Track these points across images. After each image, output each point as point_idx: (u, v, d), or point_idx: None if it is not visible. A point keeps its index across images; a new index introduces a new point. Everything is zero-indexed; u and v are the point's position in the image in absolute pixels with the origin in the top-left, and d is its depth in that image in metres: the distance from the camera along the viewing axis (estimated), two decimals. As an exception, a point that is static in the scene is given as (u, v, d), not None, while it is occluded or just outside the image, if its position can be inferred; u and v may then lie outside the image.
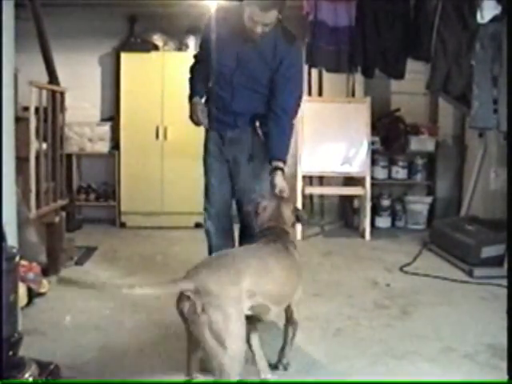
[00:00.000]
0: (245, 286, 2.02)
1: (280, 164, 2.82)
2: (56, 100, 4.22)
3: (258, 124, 3.03)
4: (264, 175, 2.99)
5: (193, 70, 3.19)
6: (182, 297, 1.95)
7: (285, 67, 2.86)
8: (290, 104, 2.94)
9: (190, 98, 3.11)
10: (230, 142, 3.06)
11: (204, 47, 3.05)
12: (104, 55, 6.00)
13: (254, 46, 2.88)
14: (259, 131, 3.04)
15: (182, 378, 2.32)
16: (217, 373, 1.95)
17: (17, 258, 2.09)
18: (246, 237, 3.09)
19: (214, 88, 3.04)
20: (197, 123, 3.07)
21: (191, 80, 3.17)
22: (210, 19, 3.00)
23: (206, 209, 3.20)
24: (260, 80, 2.95)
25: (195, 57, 3.21)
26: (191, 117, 3.09)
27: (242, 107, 3.00)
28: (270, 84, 2.92)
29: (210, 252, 3.24)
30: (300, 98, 3.02)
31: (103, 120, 5.99)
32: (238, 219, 3.18)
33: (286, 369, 2.54)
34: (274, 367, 2.52)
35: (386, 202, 5.92)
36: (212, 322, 1.90)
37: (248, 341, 2.27)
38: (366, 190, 5.41)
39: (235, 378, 1.96)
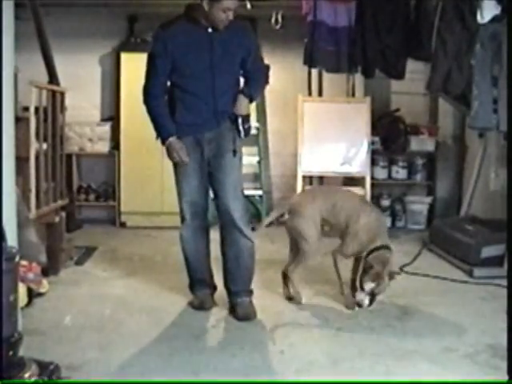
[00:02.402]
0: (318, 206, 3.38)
1: (247, 97, 3.11)
2: (56, 100, 4.22)
3: (240, 121, 3.08)
4: (241, 169, 3.19)
5: (153, 95, 3.09)
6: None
7: (250, 45, 3.13)
8: (262, 66, 3.23)
9: (162, 138, 3.07)
10: (209, 141, 3.10)
11: (165, 59, 3.00)
12: (104, 55, 6.00)
13: (220, 39, 3.00)
14: (241, 128, 3.09)
15: (182, 377, 2.33)
16: (301, 256, 3.35)
17: (17, 258, 2.08)
18: (227, 227, 3.15)
19: (188, 91, 3.05)
20: (177, 162, 3.06)
21: (156, 111, 3.09)
22: (162, 34, 3.05)
23: (183, 212, 3.21)
24: (235, 70, 3.10)
25: (151, 77, 3.09)
26: (169, 156, 3.10)
27: (225, 105, 3.07)
28: (240, 69, 3.13)
29: (186, 256, 3.30)
30: (268, 68, 3.27)
31: (103, 120, 6.00)
32: (217, 212, 3.20)
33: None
34: None
35: (385, 202, 5.92)
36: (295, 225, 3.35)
37: None
38: (366, 190, 5.40)
39: (311, 261, 3.43)
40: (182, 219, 3.24)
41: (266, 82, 3.28)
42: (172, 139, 3.03)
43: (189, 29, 3.01)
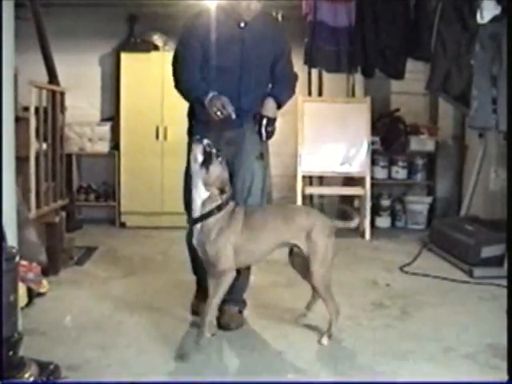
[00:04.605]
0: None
1: (275, 101, 2.99)
2: (56, 100, 4.22)
3: (264, 123, 2.96)
4: (265, 174, 3.04)
5: (188, 70, 2.92)
6: None
7: (284, 47, 3.05)
8: (292, 73, 3.13)
9: (201, 98, 2.83)
10: (229, 141, 2.96)
11: (198, 43, 2.88)
12: (104, 55, 6.01)
13: (252, 35, 2.90)
14: (263, 130, 2.98)
15: (182, 377, 2.32)
16: None
17: (17, 258, 2.09)
18: None
19: (213, 86, 2.87)
20: (222, 117, 2.78)
21: (192, 81, 2.91)
22: (193, 22, 2.95)
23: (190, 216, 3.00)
24: (265, 69, 3.00)
25: (185, 56, 2.95)
26: (213, 114, 2.79)
27: (249, 104, 2.95)
28: (269, 72, 3.02)
29: (193, 258, 3.13)
30: (296, 77, 3.19)
31: (103, 120, 6.00)
32: None
33: None
34: None
35: (385, 202, 5.92)
36: None
37: None
38: (366, 190, 5.41)
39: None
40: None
41: (294, 91, 3.14)
42: (213, 93, 2.79)
43: (220, 21, 2.89)
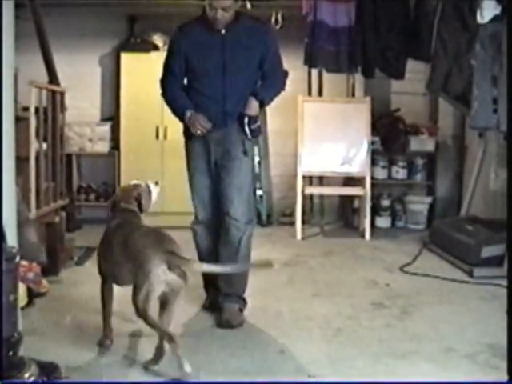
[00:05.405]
0: None
1: (257, 100, 3.09)
2: (56, 100, 4.22)
3: (246, 121, 3.07)
4: (251, 171, 3.18)
5: (167, 86, 3.16)
6: None
7: (267, 47, 3.11)
8: (279, 71, 3.21)
9: (181, 115, 3.09)
10: (217, 142, 3.10)
11: (179, 57, 3.07)
12: (104, 55, 6.00)
13: (233, 41, 3.01)
14: (246, 128, 3.08)
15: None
16: None
17: (17, 258, 2.08)
18: (227, 226, 3.10)
19: (200, 91, 3.08)
20: (198, 134, 3.05)
21: (171, 97, 3.15)
22: (177, 35, 3.11)
23: (196, 210, 3.23)
24: (250, 72, 3.10)
25: (166, 72, 3.16)
26: (187, 130, 3.11)
27: (234, 106, 3.07)
28: (258, 72, 3.12)
29: (199, 252, 3.28)
30: (286, 74, 3.28)
31: (103, 120, 6.00)
32: (221, 213, 3.16)
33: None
34: None
35: (385, 202, 5.92)
36: None
37: None
38: (366, 190, 5.41)
39: None
40: (195, 216, 3.26)
41: (282, 88, 3.23)
42: (190, 112, 3.04)
43: (203, 30, 3.05)
